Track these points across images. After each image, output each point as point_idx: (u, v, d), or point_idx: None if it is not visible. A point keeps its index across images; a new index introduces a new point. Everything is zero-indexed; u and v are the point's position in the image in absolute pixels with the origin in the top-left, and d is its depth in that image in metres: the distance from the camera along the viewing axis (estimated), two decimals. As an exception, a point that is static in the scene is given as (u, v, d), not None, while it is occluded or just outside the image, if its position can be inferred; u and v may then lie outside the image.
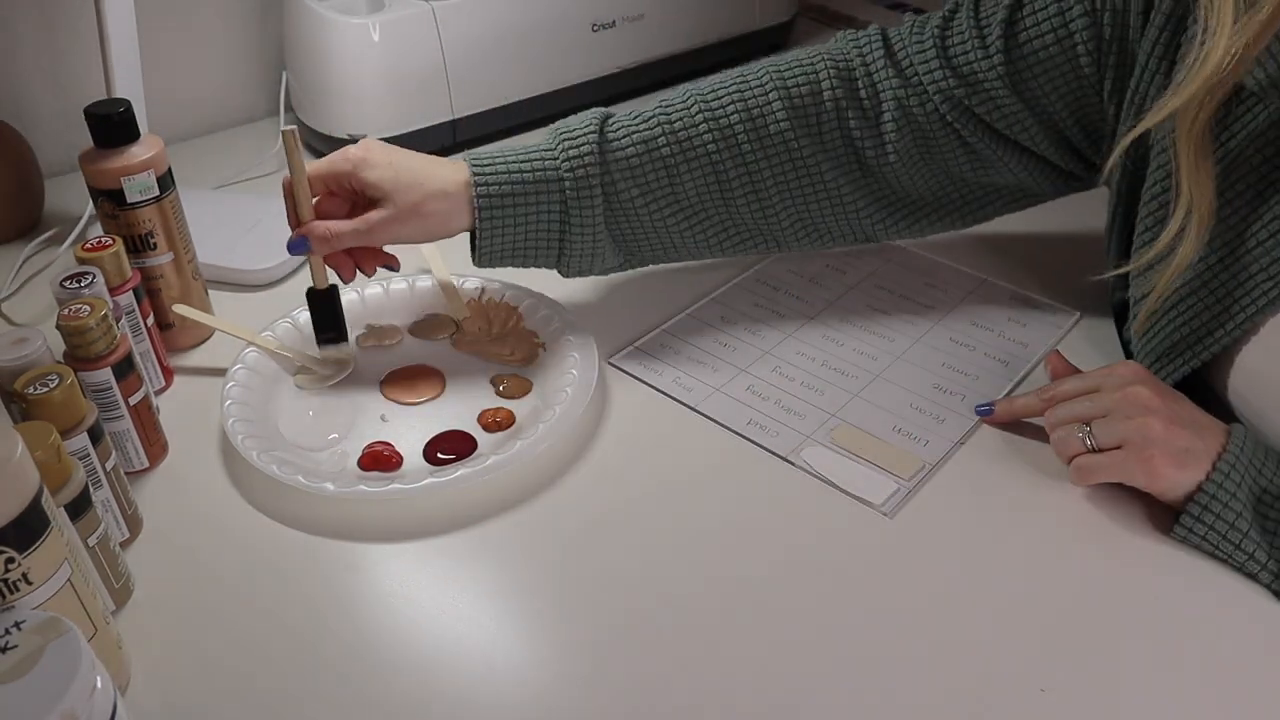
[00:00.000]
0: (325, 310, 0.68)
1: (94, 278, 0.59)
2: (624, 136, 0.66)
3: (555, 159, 0.65)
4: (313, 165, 0.64)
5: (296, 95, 0.97)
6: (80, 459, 0.51)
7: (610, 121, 0.67)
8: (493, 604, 0.54)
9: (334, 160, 0.64)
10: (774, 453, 0.63)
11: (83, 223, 0.82)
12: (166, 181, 0.67)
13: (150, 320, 0.66)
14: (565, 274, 0.70)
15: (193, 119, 1.02)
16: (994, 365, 0.70)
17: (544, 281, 0.75)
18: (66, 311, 0.55)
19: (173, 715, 0.48)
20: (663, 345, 0.72)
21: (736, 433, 0.64)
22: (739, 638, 0.52)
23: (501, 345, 0.71)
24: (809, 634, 0.52)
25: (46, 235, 0.84)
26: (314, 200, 0.65)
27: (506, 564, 0.56)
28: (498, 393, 0.67)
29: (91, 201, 0.67)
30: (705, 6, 1.10)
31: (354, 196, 0.65)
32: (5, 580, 0.42)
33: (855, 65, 0.67)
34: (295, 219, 0.65)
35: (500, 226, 0.65)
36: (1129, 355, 0.68)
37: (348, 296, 0.73)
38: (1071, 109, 0.64)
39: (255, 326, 0.69)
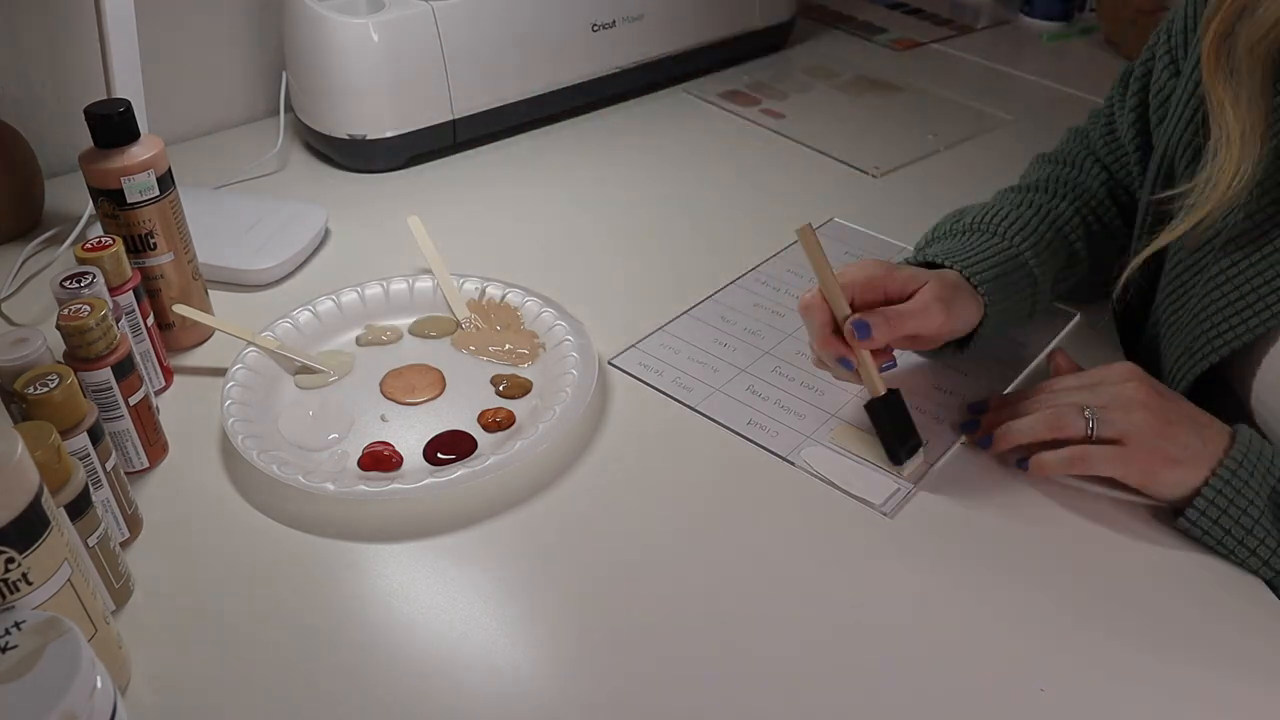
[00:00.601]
0: (898, 417, 0.61)
1: (94, 278, 0.59)
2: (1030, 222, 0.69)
3: (1010, 244, 0.67)
4: (838, 275, 0.61)
5: (296, 95, 0.97)
6: (80, 459, 0.51)
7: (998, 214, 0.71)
8: (493, 604, 0.54)
9: (864, 265, 0.62)
10: (774, 453, 0.63)
11: (83, 223, 0.82)
12: (166, 181, 0.67)
13: (150, 320, 0.66)
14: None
15: (193, 119, 1.02)
16: (994, 365, 0.70)
17: (544, 281, 0.75)
18: (66, 311, 0.55)
19: (173, 715, 0.48)
20: (663, 345, 0.72)
21: (736, 433, 0.64)
22: (739, 637, 0.52)
23: (501, 345, 0.71)
24: (809, 633, 0.52)
25: (46, 235, 0.84)
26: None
27: (506, 564, 0.56)
28: (498, 393, 0.67)
29: (91, 201, 0.66)
30: (705, 6, 1.10)
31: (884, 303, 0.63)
32: (5, 580, 0.42)
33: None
34: (829, 313, 0.61)
35: (1003, 302, 0.64)
36: (1130, 357, 0.68)
37: (348, 296, 0.73)
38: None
39: (255, 326, 0.69)
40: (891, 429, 0.61)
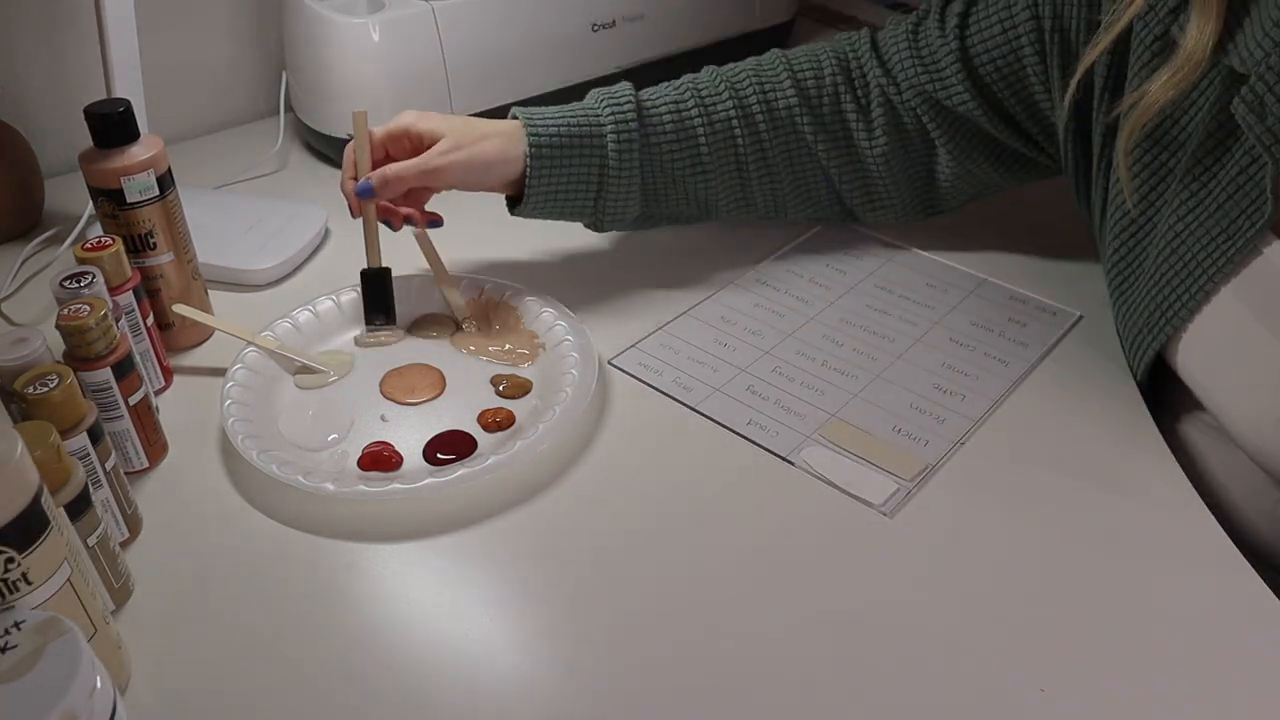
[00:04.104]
0: (377, 290, 0.71)
1: (94, 278, 0.59)
2: (659, 101, 0.73)
3: (598, 114, 0.71)
4: (375, 131, 0.70)
5: (296, 95, 0.97)
6: (80, 459, 0.51)
7: (644, 90, 0.74)
8: (493, 604, 0.54)
9: (391, 124, 0.70)
10: (774, 453, 0.63)
11: (83, 223, 0.82)
12: (166, 181, 0.67)
13: (150, 320, 0.66)
14: (595, 224, 0.75)
15: (193, 119, 1.02)
16: (994, 365, 0.69)
17: (544, 281, 0.75)
18: (66, 311, 0.55)
19: (172, 715, 0.48)
20: (663, 345, 0.72)
21: (736, 433, 0.64)
22: (739, 637, 0.52)
23: (501, 345, 0.71)
24: (809, 633, 0.52)
25: (46, 235, 0.84)
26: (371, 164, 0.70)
27: (506, 564, 0.56)
28: (498, 393, 0.67)
29: (91, 201, 0.67)
30: (705, 6, 1.10)
31: (412, 155, 0.70)
32: (5, 580, 0.42)
33: (850, 59, 0.75)
34: (355, 175, 0.70)
35: (549, 169, 0.69)
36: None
37: (348, 296, 0.73)
38: (1020, 98, 0.69)
39: (255, 326, 0.69)
40: (372, 297, 0.71)
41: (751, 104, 0.73)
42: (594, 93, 0.73)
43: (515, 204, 0.73)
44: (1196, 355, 0.60)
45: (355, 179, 0.69)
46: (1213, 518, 0.57)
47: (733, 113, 0.73)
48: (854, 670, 0.50)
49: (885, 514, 0.58)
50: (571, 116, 0.70)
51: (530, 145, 0.69)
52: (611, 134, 0.70)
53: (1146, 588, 0.54)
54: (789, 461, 0.62)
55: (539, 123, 0.70)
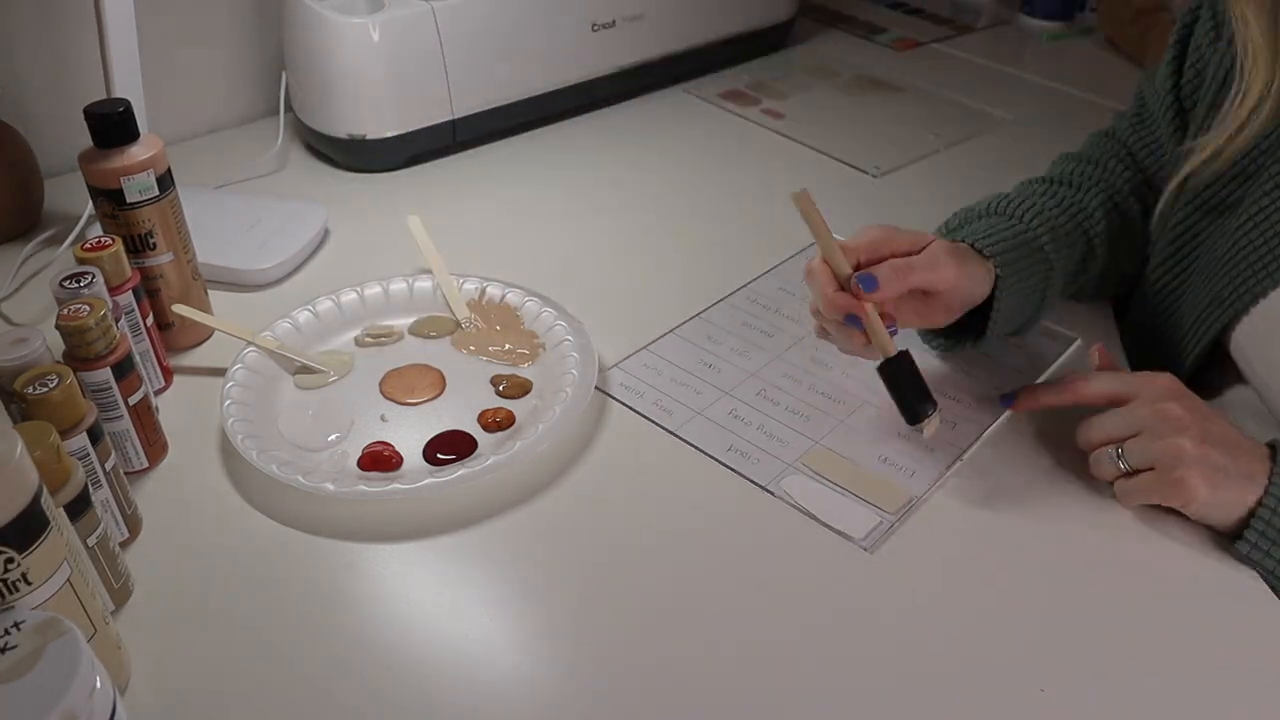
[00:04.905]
0: (912, 377, 0.59)
1: (94, 278, 0.59)
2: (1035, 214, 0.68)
3: (1025, 225, 0.66)
4: (841, 242, 0.61)
5: (296, 95, 0.97)
6: (80, 459, 0.51)
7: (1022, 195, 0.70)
8: (492, 604, 0.54)
9: (868, 229, 0.62)
10: (754, 481, 0.60)
11: (82, 223, 0.82)
12: (166, 181, 0.67)
13: (150, 320, 0.65)
14: (1029, 324, 0.68)
15: (193, 119, 1.02)
16: (989, 390, 0.67)
17: (544, 282, 0.75)
18: (66, 311, 0.55)
19: (173, 715, 0.48)
20: (645, 365, 0.70)
21: (716, 460, 0.62)
22: (737, 646, 0.52)
23: (501, 345, 0.71)
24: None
25: (46, 235, 0.84)
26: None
27: (506, 564, 0.56)
28: (498, 393, 0.67)
29: (91, 201, 0.66)
30: (705, 6, 1.10)
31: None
32: (5, 580, 0.42)
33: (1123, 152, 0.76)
34: (835, 275, 0.60)
35: (1015, 276, 0.63)
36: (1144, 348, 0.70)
37: (347, 296, 0.73)
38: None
39: (255, 326, 0.69)
40: (907, 388, 0.59)
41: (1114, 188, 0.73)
42: (997, 211, 0.68)
43: (953, 333, 0.67)
44: (1258, 337, 0.60)
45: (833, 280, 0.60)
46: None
47: (1098, 201, 0.71)
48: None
49: (865, 549, 0.56)
50: (1006, 230, 0.65)
51: (993, 256, 0.62)
52: (1046, 238, 0.65)
53: (1147, 587, 0.54)
54: (769, 491, 0.60)
55: (985, 240, 0.63)
